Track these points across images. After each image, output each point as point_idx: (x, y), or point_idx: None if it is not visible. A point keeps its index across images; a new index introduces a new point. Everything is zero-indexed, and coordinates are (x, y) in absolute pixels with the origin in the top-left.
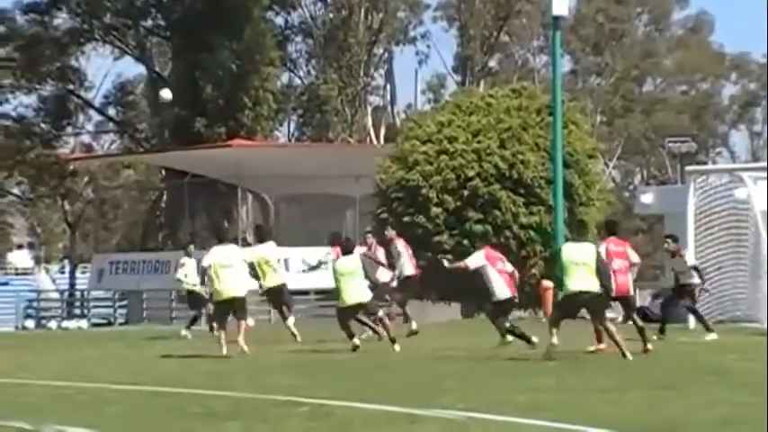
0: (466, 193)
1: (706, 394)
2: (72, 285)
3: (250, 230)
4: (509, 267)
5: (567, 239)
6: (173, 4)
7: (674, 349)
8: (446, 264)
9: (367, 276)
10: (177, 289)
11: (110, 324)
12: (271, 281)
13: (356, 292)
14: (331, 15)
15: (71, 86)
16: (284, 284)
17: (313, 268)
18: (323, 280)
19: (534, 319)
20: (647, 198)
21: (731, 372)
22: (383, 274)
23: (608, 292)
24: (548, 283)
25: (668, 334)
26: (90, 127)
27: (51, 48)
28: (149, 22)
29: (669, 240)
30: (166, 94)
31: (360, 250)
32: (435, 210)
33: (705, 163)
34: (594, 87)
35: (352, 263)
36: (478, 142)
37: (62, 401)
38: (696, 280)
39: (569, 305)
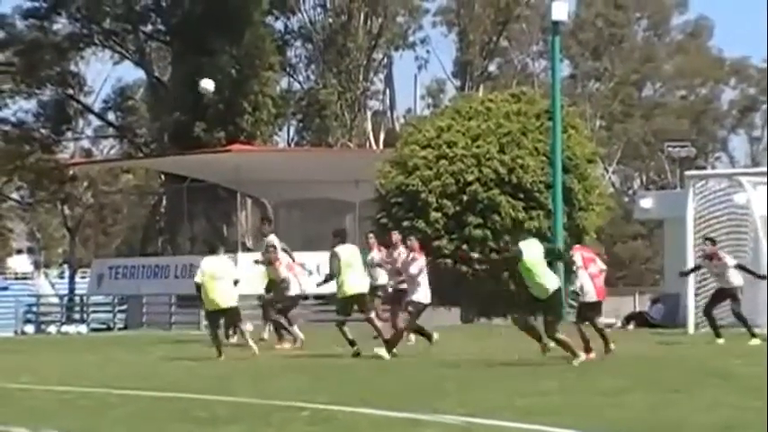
0: (465, 197)
1: (709, 397)
2: (71, 290)
3: (249, 235)
4: (602, 266)
5: (566, 244)
6: (172, 9)
7: (677, 353)
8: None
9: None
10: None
11: (109, 329)
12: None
13: (357, 281)
14: (330, 20)
15: (71, 91)
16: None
17: (326, 280)
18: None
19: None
20: (646, 203)
21: (735, 376)
22: (382, 277)
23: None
24: None
25: (670, 338)
26: (89, 132)
27: (51, 53)
28: (149, 27)
29: (708, 242)
30: (208, 84)
31: (377, 254)
32: (435, 214)
33: (704, 168)
34: (594, 92)
35: (354, 253)
36: (478, 147)
37: (65, 406)
38: (737, 282)
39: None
